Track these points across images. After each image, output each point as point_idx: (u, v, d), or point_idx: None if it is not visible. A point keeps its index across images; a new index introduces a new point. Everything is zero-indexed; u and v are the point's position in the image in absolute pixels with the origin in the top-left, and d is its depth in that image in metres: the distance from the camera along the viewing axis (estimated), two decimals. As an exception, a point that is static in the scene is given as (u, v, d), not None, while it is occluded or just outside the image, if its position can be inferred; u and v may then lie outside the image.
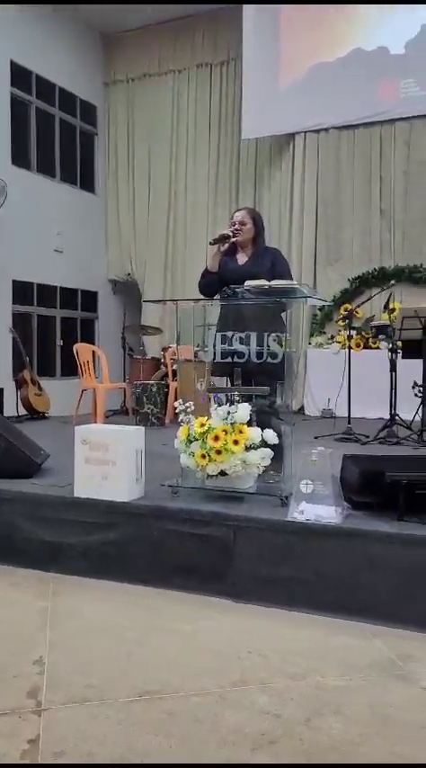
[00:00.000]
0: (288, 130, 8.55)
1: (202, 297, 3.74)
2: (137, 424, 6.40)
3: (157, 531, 2.98)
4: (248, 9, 8.44)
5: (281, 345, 3.10)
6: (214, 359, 3.35)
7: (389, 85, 7.92)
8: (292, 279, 3.63)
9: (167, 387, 6.82)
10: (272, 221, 8.32)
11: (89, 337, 9.64)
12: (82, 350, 6.85)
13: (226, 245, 3.67)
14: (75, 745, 1.71)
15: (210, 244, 3.70)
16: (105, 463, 3.10)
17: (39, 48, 8.64)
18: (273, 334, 3.11)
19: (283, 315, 3.31)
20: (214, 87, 9.39)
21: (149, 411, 6.53)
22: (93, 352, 7.07)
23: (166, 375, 7.47)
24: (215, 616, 2.63)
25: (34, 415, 7.39)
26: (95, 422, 6.38)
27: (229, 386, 3.38)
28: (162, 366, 7.81)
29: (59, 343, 9.13)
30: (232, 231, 3.64)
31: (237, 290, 3.26)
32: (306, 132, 8.47)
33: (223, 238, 3.64)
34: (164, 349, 8.00)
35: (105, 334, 9.81)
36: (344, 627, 2.54)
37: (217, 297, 3.63)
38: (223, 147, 9.35)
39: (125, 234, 10.02)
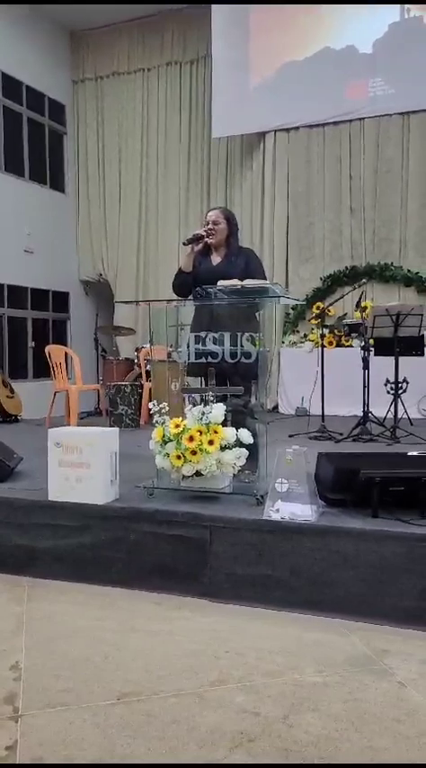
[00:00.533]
0: (258, 129, 8.59)
1: (175, 297, 3.73)
2: (111, 426, 6.38)
3: (133, 534, 2.97)
4: (217, 7, 8.45)
5: (255, 345, 3.11)
6: (188, 360, 3.35)
7: (358, 85, 8.00)
8: (266, 279, 3.64)
9: (141, 387, 6.80)
10: (244, 221, 8.34)
11: (61, 338, 9.56)
12: (54, 352, 6.79)
13: (200, 246, 3.66)
14: (53, 751, 1.70)
15: (184, 244, 3.70)
16: (79, 466, 3.08)
17: (6, 46, 8.54)
18: (247, 334, 3.12)
19: (257, 315, 3.32)
20: (184, 86, 9.38)
21: (123, 412, 6.50)
22: (66, 353, 7.01)
23: (140, 376, 7.44)
24: (191, 616, 2.63)
25: (6, 418, 7.31)
26: (69, 424, 6.34)
27: (203, 386, 3.38)
28: (135, 367, 7.78)
29: (31, 344, 9.04)
30: (205, 231, 3.64)
31: (210, 290, 3.26)
32: (276, 131, 8.51)
33: (196, 238, 3.64)
34: (138, 350, 7.97)
35: (77, 336, 9.74)
36: (320, 623, 2.57)
37: (190, 297, 3.63)
38: (194, 146, 9.35)
39: (96, 234, 9.96)
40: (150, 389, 6.62)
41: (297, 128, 8.44)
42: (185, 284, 3.69)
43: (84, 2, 8.69)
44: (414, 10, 7.65)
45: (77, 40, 9.88)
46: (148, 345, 7.64)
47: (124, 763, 1.57)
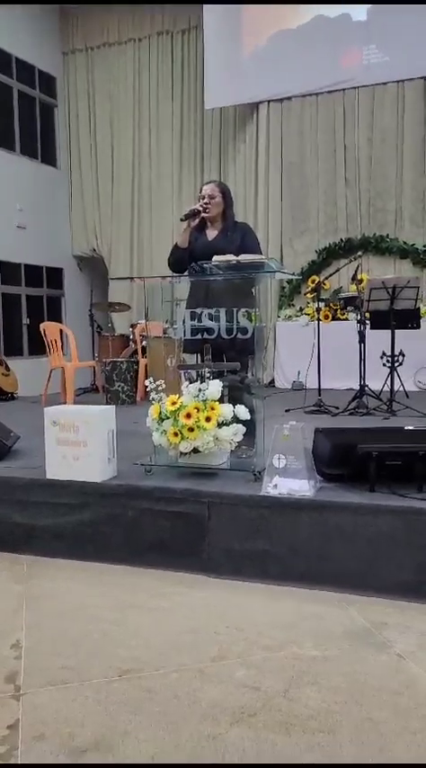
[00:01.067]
0: (252, 100, 8.45)
1: (171, 273, 3.69)
2: (107, 402, 6.37)
3: (131, 511, 2.98)
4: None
5: (251, 320, 3.08)
6: (184, 336, 3.33)
7: (352, 52, 7.86)
8: (262, 253, 3.60)
9: (137, 364, 6.78)
10: (238, 193, 8.25)
11: (56, 315, 9.50)
12: (49, 328, 6.75)
13: (196, 221, 3.61)
14: (55, 729, 1.71)
15: (181, 220, 3.65)
16: (77, 444, 3.07)
17: (-7, 16, 8.34)
18: (243, 310, 3.09)
19: (252, 290, 3.29)
20: (176, 56, 9.21)
21: (120, 389, 6.48)
22: (61, 330, 6.97)
23: (136, 352, 7.42)
24: (190, 592, 2.65)
25: (2, 396, 7.29)
26: (65, 401, 6.33)
27: (200, 362, 3.36)
28: (131, 343, 7.75)
29: (26, 321, 8.98)
30: (201, 206, 3.58)
31: (205, 265, 3.23)
32: (269, 101, 8.38)
33: (193, 214, 3.58)
34: (133, 326, 7.93)
35: (72, 312, 9.68)
36: (318, 597, 2.58)
37: (186, 273, 3.59)
38: (186, 117, 9.20)
39: (89, 208, 9.85)
40: (146, 365, 6.60)
41: (290, 98, 8.30)
42: (181, 260, 3.64)
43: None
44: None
45: (67, 11, 9.65)
46: (144, 321, 7.61)
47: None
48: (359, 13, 7.75)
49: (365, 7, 7.70)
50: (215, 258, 3.20)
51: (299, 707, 1.82)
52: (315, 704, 1.83)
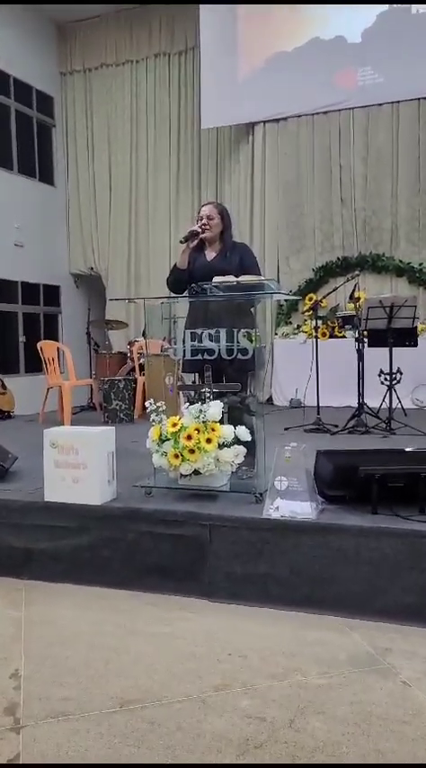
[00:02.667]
0: (248, 120, 8.52)
1: (168, 292, 3.69)
2: (105, 421, 6.34)
3: (131, 534, 2.95)
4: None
5: (251, 341, 3.07)
6: (183, 356, 3.32)
7: (347, 74, 7.93)
8: (261, 274, 3.60)
9: (135, 382, 6.76)
10: (234, 212, 8.24)
11: (53, 333, 9.48)
12: (46, 347, 6.73)
13: (195, 242, 3.62)
14: (56, 763, 1.67)
15: (180, 242, 3.65)
16: (76, 466, 3.04)
17: (-9, 37, 8.41)
18: (243, 330, 3.08)
19: (251, 310, 3.29)
20: (172, 77, 9.28)
21: (117, 407, 6.46)
22: (58, 348, 6.95)
23: (133, 370, 7.40)
24: (192, 617, 2.61)
25: (-1, 414, 7.25)
26: (62, 420, 6.29)
27: (199, 382, 3.35)
28: (128, 360, 7.73)
29: (22, 339, 8.96)
30: (200, 227, 3.59)
31: (205, 286, 3.22)
32: (265, 122, 8.44)
33: (192, 235, 3.59)
34: (130, 343, 7.92)
35: (69, 330, 9.66)
36: (321, 622, 2.55)
37: (185, 294, 3.59)
38: (183, 137, 9.26)
39: (86, 227, 9.87)
40: (144, 383, 6.58)
41: (285, 118, 8.37)
42: (180, 281, 3.65)
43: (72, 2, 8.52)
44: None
45: (65, 32, 9.74)
46: (141, 339, 7.60)
47: (124, 764, 1.55)
48: (354, 35, 7.84)
49: (360, 30, 7.79)
50: (215, 279, 3.20)
51: (305, 738, 1.78)
52: (321, 735, 1.79)
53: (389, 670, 2.18)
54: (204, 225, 3.59)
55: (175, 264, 3.69)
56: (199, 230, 3.59)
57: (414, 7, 7.52)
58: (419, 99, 7.76)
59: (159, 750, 1.72)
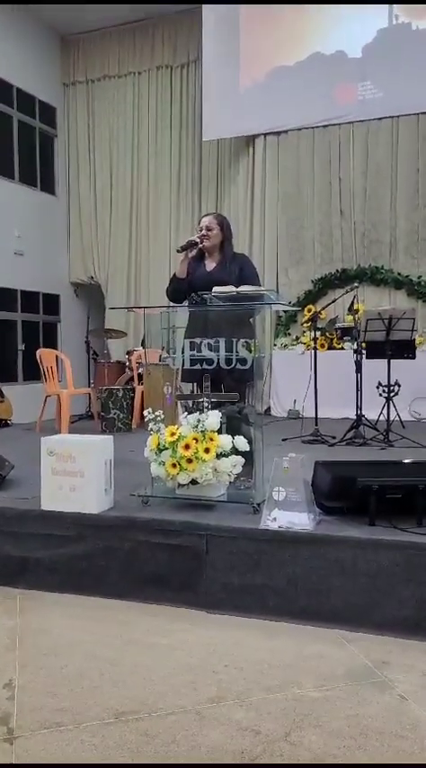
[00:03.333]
0: (249, 132, 8.57)
1: (168, 303, 3.70)
2: (103, 430, 6.33)
3: (128, 543, 2.93)
4: (208, 12, 8.42)
5: (250, 351, 3.08)
6: (182, 366, 3.32)
7: (347, 88, 8.00)
8: (260, 285, 3.61)
9: (133, 391, 6.75)
10: (234, 223, 8.29)
11: (51, 341, 9.49)
12: (45, 355, 6.73)
13: (194, 252, 3.63)
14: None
15: (178, 251, 3.67)
16: (73, 474, 3.03)
17: (-5, 48, 8.46)
18: (242, 340, 3.09)
19: (251, 320, 3.29)
20: (174, 89, 9.34)
21: (115, 416, 6.45)
22: (57, 356, 6.95)
23: (132, 379, 7.40)
24: (188, 628, 2.59)
25: (-4, 422, 7.23)
26: (60, 428, 6.28)
27: (198, 391, 3.34)
28: (127, 370, 7.73)
29: (21, 347, 8.96)
30: (199, 237, 3.61)
31: (205, 296, 3.23)
32: (265, 134, 8.50)
33: (190, 245, 3.60)
34: (129, 352, 7.92)
35: (68, 338, 9.67)
36: (318, 634, 2.53)
37: (185, 304, 3.60)
38: (184, 148, 9.31)
39: (87, 236, 9.90)
40: (142, 393, 6.58)
41: (286, 131, 8.43)
42: (179, 290, 3.66)
43: (73, 1, 8.59)
44: (403, 16, 7.66)
45: (68, 44, 9.82)
46: (140, 348, 7.61)
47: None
48: (355, 50, 7.91)
49: (360, 45, 7.86)
50: (215, 289, 3.20)
51: (301, 751, 1.76)
52: (317, 748, 1.78)
53: (386, 684, 2.16)
54: (203, 235, 3.61)
55: (174, 274, 3.70)
56: (198, 240, 3.60)
57: (414, 23, 7.60)
58: (418, 114, 7.83)
59: (154, 762, 1.70)
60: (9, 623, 2.65)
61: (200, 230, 3.63)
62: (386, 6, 7.69)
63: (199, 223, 3.75)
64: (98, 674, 2.20)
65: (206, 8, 8.40)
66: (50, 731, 1.85)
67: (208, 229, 3.62)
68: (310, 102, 8.08)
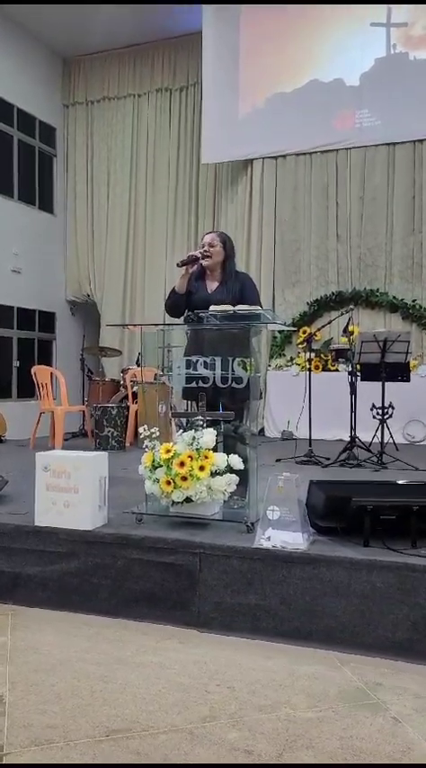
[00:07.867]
0: (247, 156, 8.69)
1: (164, 320, 3.71)
2: (97, 448, 6.31)
3: (121, 560, 2.92)
4: (208, 36, 8.58)
5: (246, 370, 3.09)
6: (178, 384, 3.32)
7: (345, 116, 8.14)
8: (261, 305, 3.61)
9: (127, 409, 6.75)
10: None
11: (47, 358, 9.50)
12: (40, 372, 6.73)
13: (195, 267, 3.65)
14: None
15: (178, 265, 3.67)
16: (67, 490, 3.02)
17: (-2, 68, 8.58)
18: (238, 359, 3.10)
19: (248, 339, 3.30)
20: (173, 112, 9.48)
21: (109, 434, 6.44)
22: (52, 373, 6.95)
23: (126, 397, 7.40)
24: (180, 647, 2.57)
25: (-11, 438, 7.21)
26: (53, 445, 6.26)
27: (194, 409, 3.35)
28: (121, 388, 7.73)
29: (16, 364, 8.96)
30: (201, 253, 3.62)
31: (202, 314, 3.25)
32: (263, 159, 8.61)
33: (191, 260, 3.61)
34: (124, 371, 7.93)
35: (63, 356, 9.68)
36: (311, 655, 2.52)
37: (181, 321, 3.61)
38: (182, 171, 9.42)
39: (83, 255, 9.97)
40: (136, 411, 6.58)
41: (284, 155, 8.55)
42: (178, 305, 3.66)
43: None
44: (400, 46, 7.83)
45: (69, 66, 9.97)
46: (135, 367, 7.62)
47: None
48: (353, 78, 8.07)
49: (358, 73, 8.02)
50: (212, 308, 3.22)
51: (294, 773, 1.75)
52: (310, 770, 1.76)
53: (379, 705, 2.14)
54: (205, 251, 3.62)
55: (174, 288, 3.70)
56: (199, 255, 3.61)
57: (412, 53, 7.77)
58: (414, 141, 7.97)
59: (145, 781, 1.68)
60: (0, 639, 2.62)
61: (203, 247, 3.65)
62: (384, 36, 7.87)
63: (201, 239, 3.76)
64: (89, 691, 2.18)
65: (206, 33, 8.55)
66: (41, 748, 1.83)
67: (211, 246, 3.63)
68: (308, 128, 8.22)
